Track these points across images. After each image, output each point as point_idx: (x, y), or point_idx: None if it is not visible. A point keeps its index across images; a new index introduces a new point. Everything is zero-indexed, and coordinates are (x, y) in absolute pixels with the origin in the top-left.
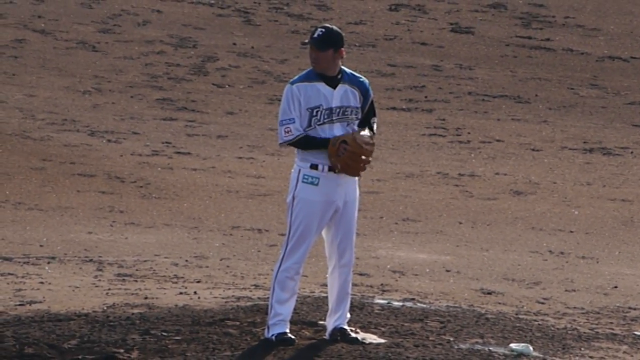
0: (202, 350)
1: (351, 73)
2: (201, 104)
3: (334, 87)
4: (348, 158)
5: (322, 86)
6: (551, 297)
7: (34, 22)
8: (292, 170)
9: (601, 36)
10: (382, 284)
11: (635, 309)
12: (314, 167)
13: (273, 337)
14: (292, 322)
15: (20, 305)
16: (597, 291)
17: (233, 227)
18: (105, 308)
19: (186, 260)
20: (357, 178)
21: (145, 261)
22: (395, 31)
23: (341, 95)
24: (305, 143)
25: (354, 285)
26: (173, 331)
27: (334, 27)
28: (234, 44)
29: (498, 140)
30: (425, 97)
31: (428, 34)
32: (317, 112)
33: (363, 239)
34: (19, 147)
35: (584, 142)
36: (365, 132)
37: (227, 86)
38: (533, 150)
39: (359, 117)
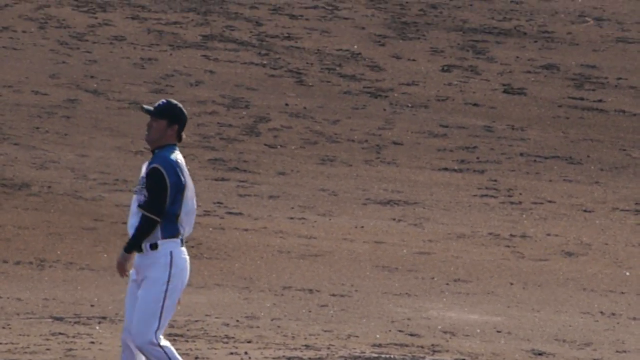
0: None
1: (160, 154)
2: (253, 164)
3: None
4: None
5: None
6: (602, 359)
7: (86, 82)
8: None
9: None
10: (433, 344)
11: None
12: None
13: None
14: None
15: None
16: None
17: (284, 287)
18: None
19: (237, 321)
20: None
21: (196, 321)
22: (448, 92)
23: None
24: None
25: (405, 345)
26: None
27: (174, 101)
28: (286, 104)
29: (550, 201)
30: (477, 157)
31: (480, 95)
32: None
33: (414, 300)
34: (70, 207)
35: (636, 204)
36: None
37: (279, 146)
38: (585, 211)
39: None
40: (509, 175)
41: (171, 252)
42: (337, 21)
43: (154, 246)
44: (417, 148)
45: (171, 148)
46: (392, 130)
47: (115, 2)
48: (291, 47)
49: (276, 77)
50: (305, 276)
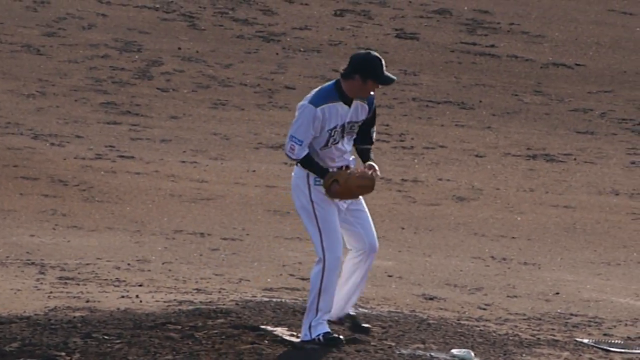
0: (143, 354)
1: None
2: (145, 108)
3: (350, 105)
4: (338, 194)
5: (340, 106)
6: (493, 303)
7: None
8: (295, 176)
9: (546, 43)
10: None
11: (576, 316)
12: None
13: (320, 337)
14: (233, 327)
15: None
16: (538, 297)
17: (175, 231)
18: (47, 311)
19: (128, 264)
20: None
21: (87, 264)
22: (340, 36)
23: (352, 111)
24: (303, 164)
25: (296, 289)
26: (114, 335)
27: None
28: (179, 48)
29: (441, 146)
30: None
31: (373, 40)
32: (334, 132)
33: (305, 244)
34: None
35: (527, 149)
36: (365, 166)
37: (171, 90)
38: (476, 156)
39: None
40: (401, 120)
41: None
42: None
43: None
44: (309, 92)
45: None
46: (285, 75)
47: None
48: None
49: (169, 21)
50: (196, 220)
